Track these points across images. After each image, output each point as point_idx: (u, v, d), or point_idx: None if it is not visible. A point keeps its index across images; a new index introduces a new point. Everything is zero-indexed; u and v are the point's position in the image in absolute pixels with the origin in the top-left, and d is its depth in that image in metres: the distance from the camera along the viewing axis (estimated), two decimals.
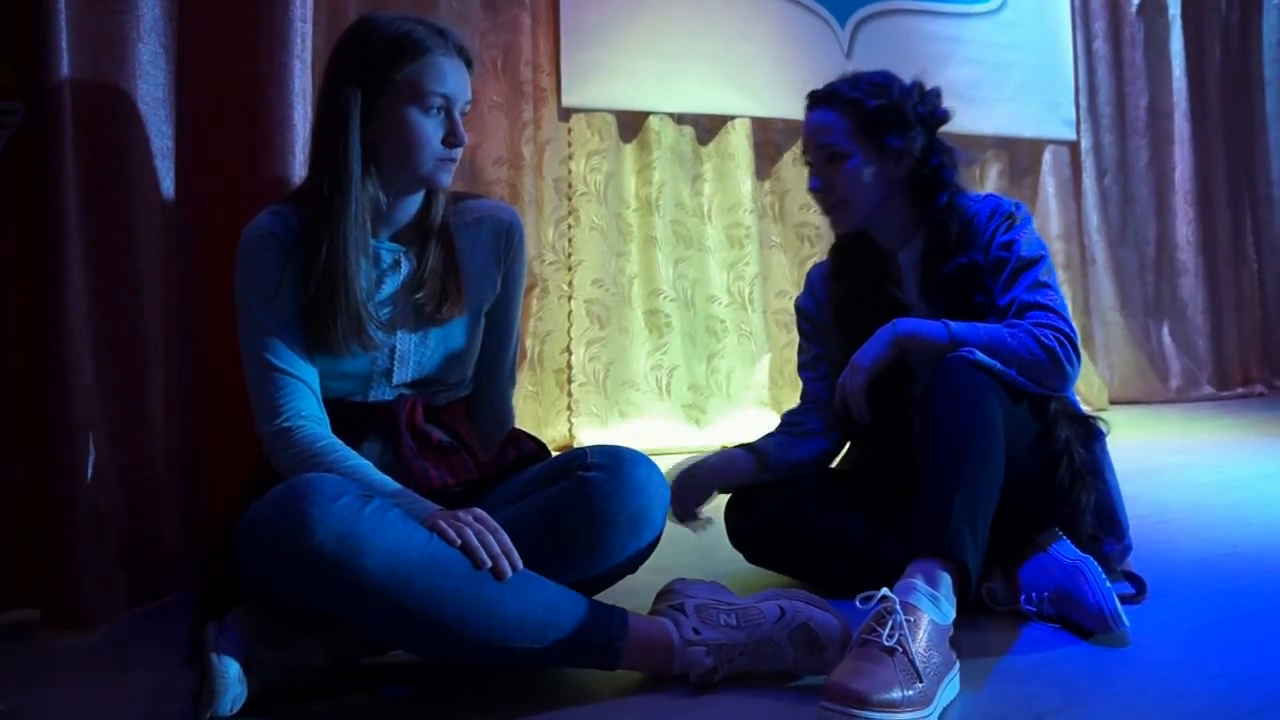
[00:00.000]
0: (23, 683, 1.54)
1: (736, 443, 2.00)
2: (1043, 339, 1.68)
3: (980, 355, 1.63)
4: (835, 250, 2.03)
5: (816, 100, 1.92)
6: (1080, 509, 1.72)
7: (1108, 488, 1.82)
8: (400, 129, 1.56)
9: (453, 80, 1.58)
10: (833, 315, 1.99)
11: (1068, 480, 1.71)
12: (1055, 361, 1.68)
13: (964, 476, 1.51)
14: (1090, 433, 1.81)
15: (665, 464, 1.67)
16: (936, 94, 1.92)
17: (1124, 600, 1.63)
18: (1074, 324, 1.75)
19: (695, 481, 1.91)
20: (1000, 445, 1.56)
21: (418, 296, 1.63)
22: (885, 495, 1.84)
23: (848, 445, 2.04)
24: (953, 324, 1.71)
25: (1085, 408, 1.88)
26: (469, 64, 1.62)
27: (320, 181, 1.57)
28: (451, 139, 1.59)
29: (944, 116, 1.91)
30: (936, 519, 1.47)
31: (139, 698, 1.47)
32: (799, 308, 2.10)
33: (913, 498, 1.54)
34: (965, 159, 1.95)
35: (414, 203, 1.66)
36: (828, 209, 1.92)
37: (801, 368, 2.09)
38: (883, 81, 1.89)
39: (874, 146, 1.85)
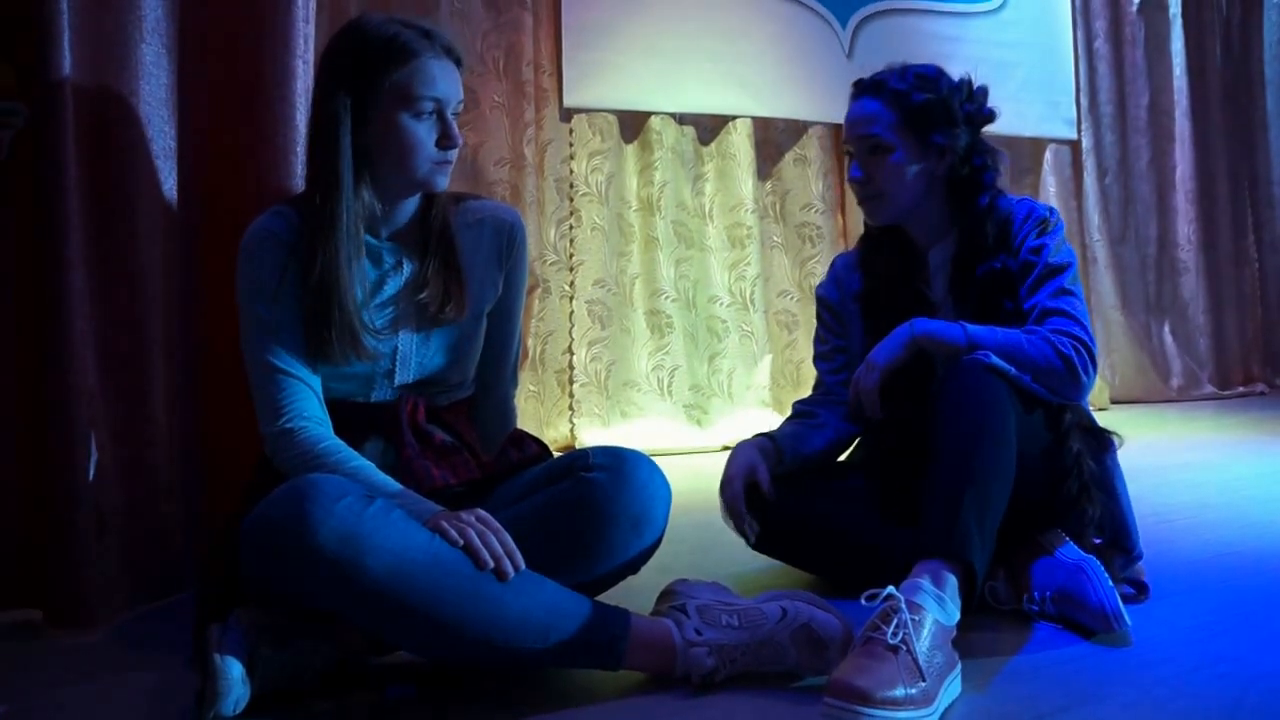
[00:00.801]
0: (25, 683, 1.55)
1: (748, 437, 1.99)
2: (1060, 346, 1.67)
3: (995, 359, 1.63)
4: (865, 241, 2.01)
5: (863, 89, 1.89)
6: (1086, 522, 1.72)
7: (1118, 501, 1.79)
8: (393, 135, 1.56)
9: (443, 83, 1.57)
10: (859, 307, 1.98)
11: (1075, 492, 1.71)
12: (1071, 370, 1.67)
13: (974, 478, 1.51)
14: (1102, 445, 1.80)
15: (667, 465, 1.67)
16: (984, 92, 1.91)
17: (1126, 600, 1.63)
18: (1094, 332, 1.74)
19: (735, 491, 1.88)
20: (1011, 448, 1.56)
21: (420, 297, 1.62)
22: (895, 490, 1.83)
23: (858, 439, 2.03)
24: (970, 326, 1.71)
25: (1094, 413, 1.87)
26: (458, 63, 1.61)
27: (313, 191, 1.57)
28: (445, 141, 1.58)
29: (990, 115, 1.90)
30: (945, 519, 1.48)
31: (141, 698, 1.47)
32: (821, 297, 2.08)
33: (921, 496, 1.54)
34: (1006, 161, 1.94)
35: (412, 204, 1.66)
36: (864, 199, 1.89)
37: (818, 358, 2.08)
38: (932, 75, 1.87)
39: (918, 141, 1.84)
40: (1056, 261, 1.77)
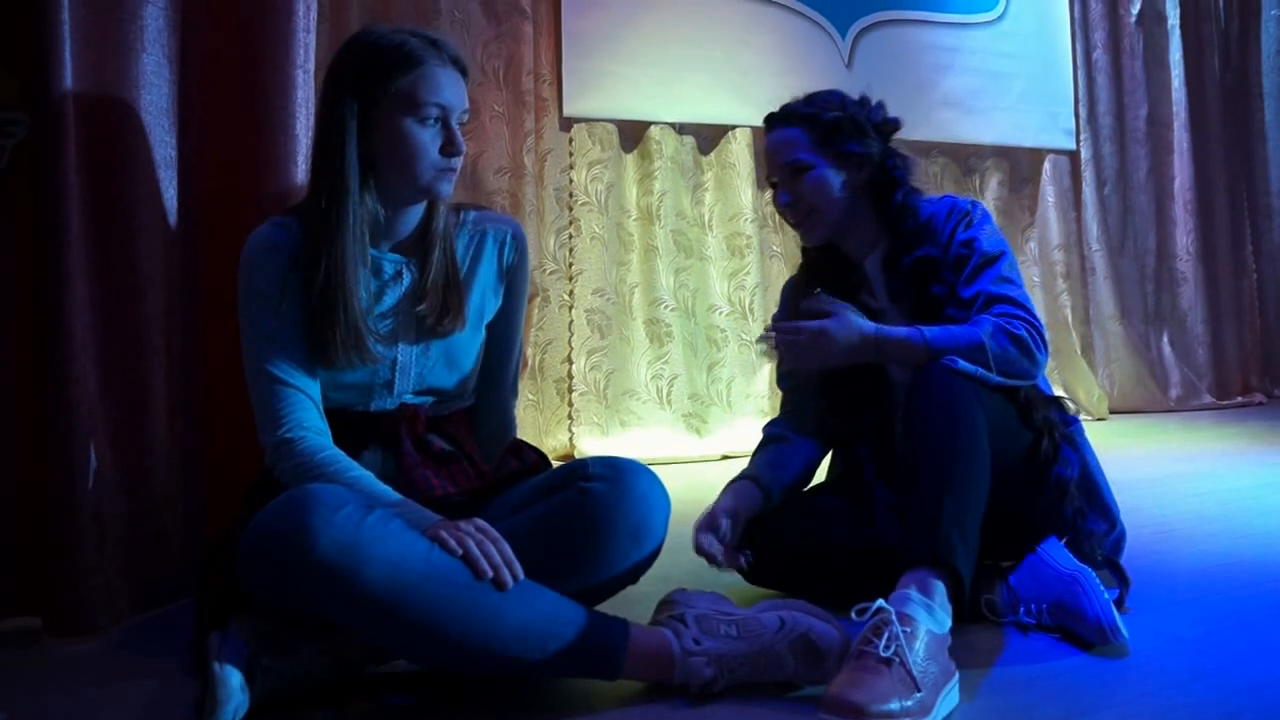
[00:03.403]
0: (24, 691, 1.55)
1: (734, 476, 1.98)
2: (1012, 330, 1.72)
3: (963, 364, 1.65)
4: (804, 266, 2.07)
5: (775, 121, 1.97)
6: (1065, 480, 1.74)
7: (1089, 466, 1.84)
8: (397, 141, 1.57)
9: (448, 90, 1.58)
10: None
11: (1050, 453, 1.74)
12: (1025, 350, 1.72)
13: (951, 484, 1.52)
14: (1064, 411, 1.85)
15: (665, 474, 1.67)
16: (882, 106, 1.98)
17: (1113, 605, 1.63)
18: (1040, 317, 1.79)
19: (719, 526, 1.85)
20: (985, 450, 1.57)
21: (419, 309, 1.63)
22: (871, 507, 1.85)
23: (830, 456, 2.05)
24: (927, 330, 1.74)
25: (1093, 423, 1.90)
26: (464, 73, 1.63)
27: (319, 195, 1.58)
28: (449, 149, 1.59)
29: (896, 123, 1.97)
30: (926, 528, 1.48)
31: (140, 706, 1.48)
32: (775, 320, 2.11)
33: (899, 508, 1.55)
34: (916, 163, 2.02)
35: (415, 214, 1.66)
36: (798, 221, 1.95)
37: (781, 378, 2.11)
38: (835, 98, 1.95)
39: (835, 155, 1.91)
40: (991, 250, 1.83)
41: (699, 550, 1.85)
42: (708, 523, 1.87)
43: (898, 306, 1.90)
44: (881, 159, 1.93)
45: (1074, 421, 1.86)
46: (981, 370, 1.67)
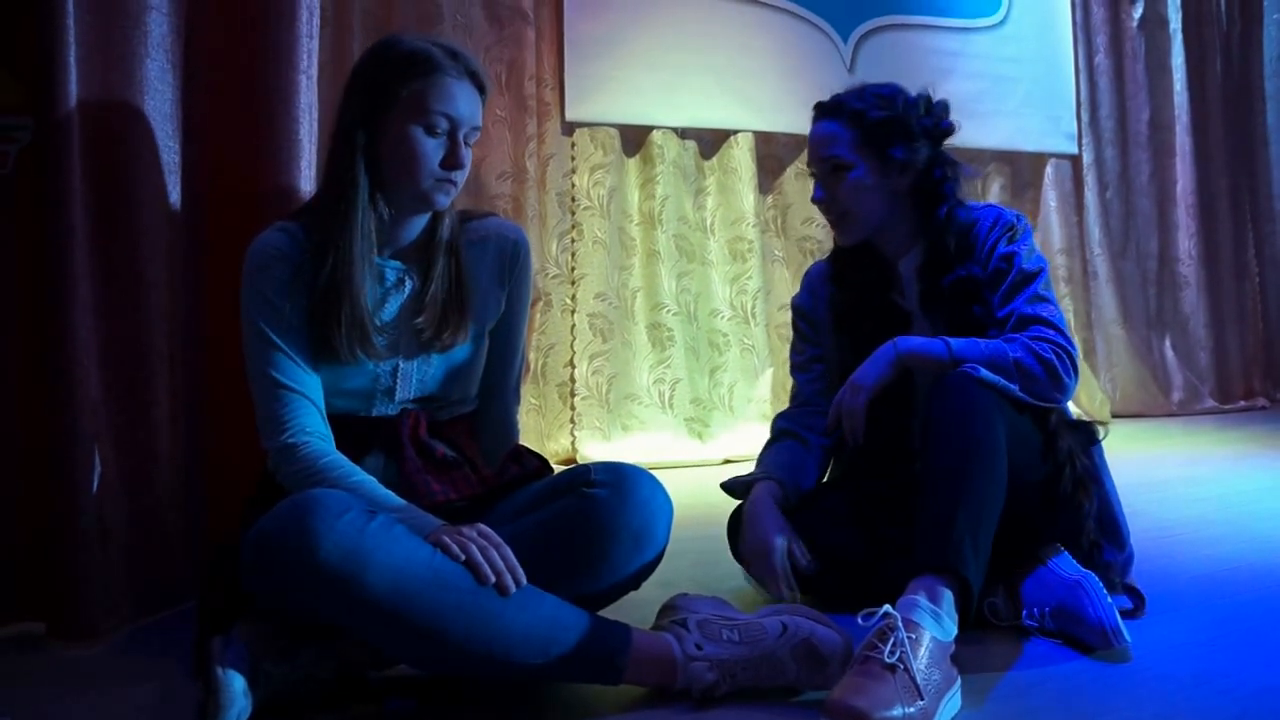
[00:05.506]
0: (27, 695, 1.55)
1: (752, 473, 1.96)
2: (1040, 352, 1.69)
3: (984, 372, 1.63)
4: (835, 256, 2.03)
5: (823, 111, 1.93)
6: (1083, 515, 1.73)
7: (1107, 495, 1.82)
8: (401, 145, 1.57)
9: (460, 102, 1.59)
10: (833, 321, 1.99)
11: (1070, 488, 1.72)
12: (1053, 375, 1.69)
13: (966, 492, 1.51)
14: (1089, 439, 1.82)
15: (667, 478, 1.67)
16: (944, 106, 1.93)
17: (1123, 615, 1.63)
18: (1072, 337, 1.76)
19: (781, 565, 1.80)
20: (1002, 461, 1.56)
21: (417, 322, 1.63)
22: (879, 510, 1.84)
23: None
24: (953, 341, 1.72)
25: (1080, 413, 1.89)
26: (481, 89, 1.63)
27: (329, 191, 1.60)
28: (450, 161, 1.59)
29: (949, 129, 1.92)
30: (939, 535, 1.48)
31: (144, 711, 1.48)
32: (796, 306, 2.09)
33: (914, 514, 1.54)
34: (969, 173, 1.96)
35: (419, 222, 1.67)
36: (832, 221, 1.92)
37: (796, 368, 2.08)
38: (889, 94, 1.89)
39: (877, 158, 1.86)
40: (1030, 268, 1.80)
41: (771, 589, 1.80)
42: (779, 552, 1.80)
43: (927, 314, 1.88)
44: (928, 165, 1.87)
45: (1097, 442, 1.84)
46: (1004, 381, 1.65)
